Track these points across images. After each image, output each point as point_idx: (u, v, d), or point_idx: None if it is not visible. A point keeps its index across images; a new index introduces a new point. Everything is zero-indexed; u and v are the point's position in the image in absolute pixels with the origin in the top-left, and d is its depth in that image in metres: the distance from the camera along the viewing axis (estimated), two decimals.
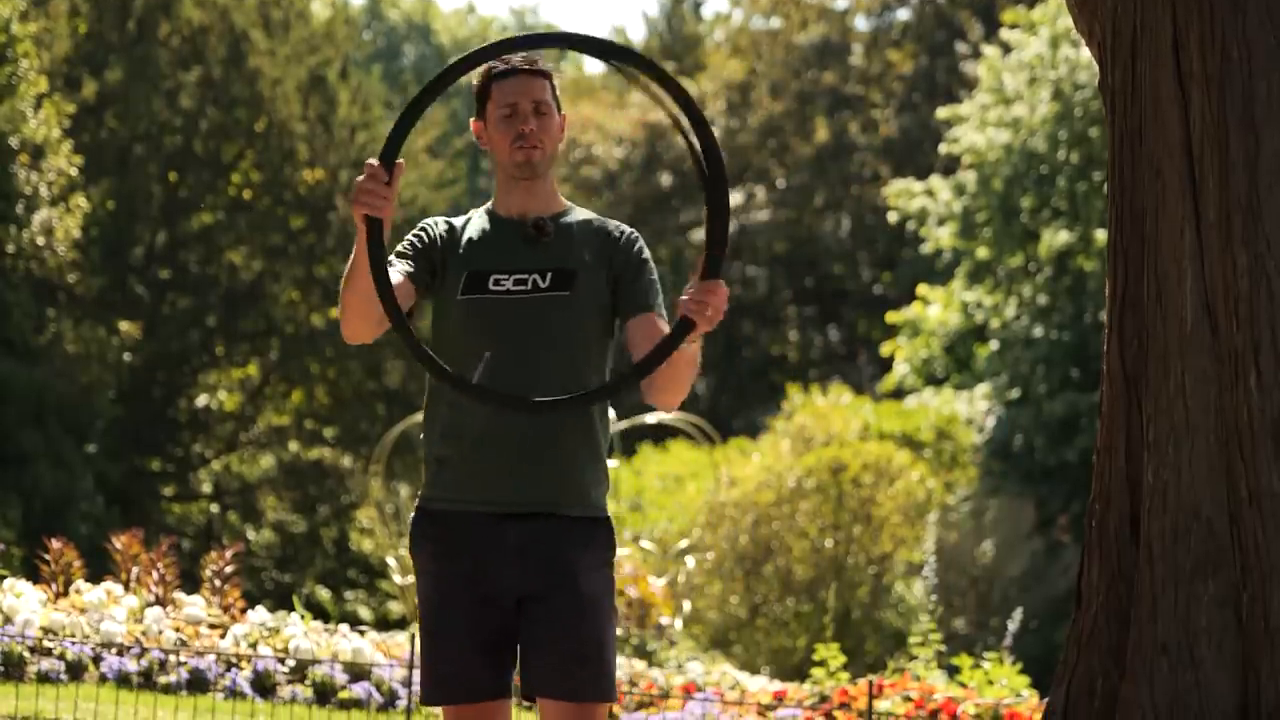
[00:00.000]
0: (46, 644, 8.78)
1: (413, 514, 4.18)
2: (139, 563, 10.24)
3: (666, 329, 4.02)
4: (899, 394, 28.09)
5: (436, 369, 3.88)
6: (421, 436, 4.21)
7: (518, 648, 4.10)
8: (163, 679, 8.79)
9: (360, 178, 3.84)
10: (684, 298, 3.82)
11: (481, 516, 4.07)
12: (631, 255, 4.17)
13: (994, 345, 26.38)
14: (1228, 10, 4.67)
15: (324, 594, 27.96)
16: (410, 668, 8.58)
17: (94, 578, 10.31)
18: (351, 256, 3.95)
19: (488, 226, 4.19)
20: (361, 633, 10.33)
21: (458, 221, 4.23)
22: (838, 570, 19.00)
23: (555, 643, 4.02)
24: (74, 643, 8.78)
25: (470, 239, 4.17)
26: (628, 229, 4.22)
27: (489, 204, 4.25)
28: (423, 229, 4.20)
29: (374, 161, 3.82)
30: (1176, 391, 4.66)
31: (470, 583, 4.07)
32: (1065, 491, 24.46)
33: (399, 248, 4.18)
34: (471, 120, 4.23)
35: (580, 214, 4.22)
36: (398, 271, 4.07)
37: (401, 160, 3.85)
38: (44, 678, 8.48)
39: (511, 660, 4.13)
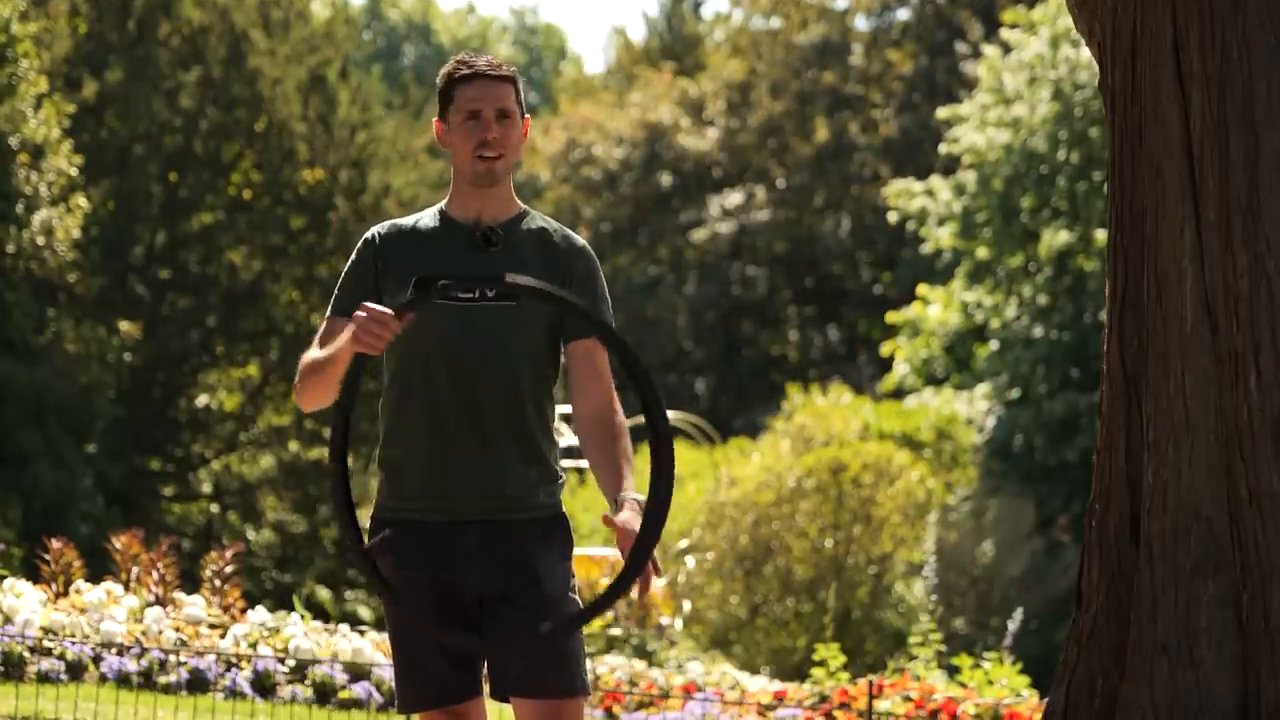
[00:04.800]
0: (46, 644, 8.76)
1: (369, 524, 4.17)
2: (139, 563, 10.23)
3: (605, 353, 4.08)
4: (899, 394, 28.09)
5: (365, 563, 3.92)
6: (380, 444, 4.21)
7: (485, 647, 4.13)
8: (163, 679, 8.78)
9: (365, 317, 3.77)
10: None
11: (439, 525, 4.09)
12: (583, 272, 4.14)
13: (994, 345, 26.37)
14: (1228, 10, 4.67)
15: (324, 594, 27.92)
16: None
17: (94, 578, 10.28)
18: (327, 351, 3.95)
19: (440, 229, 4.15)
20: (361, 633, 10.31)
21: (407, 222, 4.18)
22: (838, 570, 18.99)
23: (523, 643, 4.03)
24: (74, 643, 8.77)
25: (421, 242, 4.13)
26: (579, 241, 4.18)
27: (444, 203, 4.20)
28: (359, 261, 4.13)
29: (389, 312, 3.76)
30: (1176, 391, 4.66)
31: (433, 588, 4.08)
32: (1065, 491, 24.45)
33: (348, 282, 4.13)
34: (435, 120, 4.20)
35: (534, 220, 4.16)
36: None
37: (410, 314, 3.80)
38: (44, 678, 8.47)
39: (481, 659, 4.15)
